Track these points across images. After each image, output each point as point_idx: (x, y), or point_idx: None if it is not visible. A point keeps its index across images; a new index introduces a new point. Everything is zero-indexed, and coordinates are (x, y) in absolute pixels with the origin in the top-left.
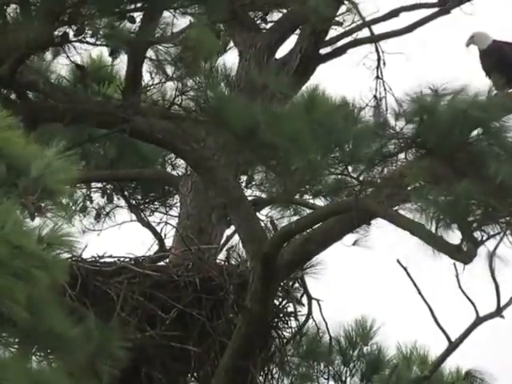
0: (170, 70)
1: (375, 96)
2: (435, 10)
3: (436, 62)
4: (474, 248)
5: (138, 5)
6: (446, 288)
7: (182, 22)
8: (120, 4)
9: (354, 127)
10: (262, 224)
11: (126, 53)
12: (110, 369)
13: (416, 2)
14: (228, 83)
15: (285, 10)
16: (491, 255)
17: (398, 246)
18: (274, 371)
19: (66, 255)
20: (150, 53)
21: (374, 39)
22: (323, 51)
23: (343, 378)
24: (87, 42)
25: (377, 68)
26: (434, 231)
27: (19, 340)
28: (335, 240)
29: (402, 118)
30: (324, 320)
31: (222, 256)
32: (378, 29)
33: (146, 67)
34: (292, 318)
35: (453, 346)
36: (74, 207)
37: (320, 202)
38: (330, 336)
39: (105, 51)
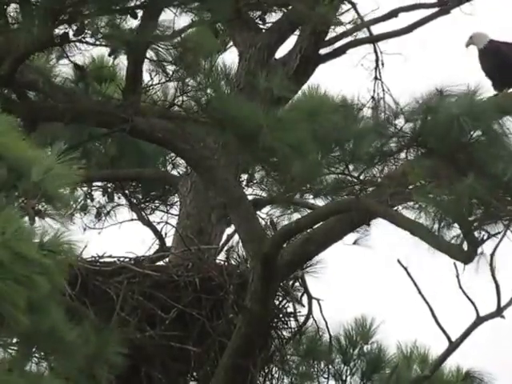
0: (170, 70)
1: (373, 97)
2: (435, 10)
3: (435, 63)
4: (474, 248)
5: (139, 2)
6: (446, 288)
7: (182, 21)
8: (120, 1)
9: (355, 126)
10: (262, 223)
11: (126, 53)
12: (107, 373)
13: (415, 2)
14: (228, 82)
15: (285, 10)
16: (491, 255)
17: (398, 245)
18: (274, 371)
19: (67, 261)
20: (150, 53)
21: (374, 39)
22: (323, 51)
23: (343, 377)
24: (87, 42)
25: (375, 68)
26: (434, 231)
27: (18, 342)
28: (335, 240)
29: (401, 115)
30: (324, 319)
31: (221, 256)
32: (378, 29)
33: (146, 67)
34: (292, 318)
35: (453, 346)
36: (74, 205)
37: (320, 202)
38: (330, 335)
39: (105, 50)
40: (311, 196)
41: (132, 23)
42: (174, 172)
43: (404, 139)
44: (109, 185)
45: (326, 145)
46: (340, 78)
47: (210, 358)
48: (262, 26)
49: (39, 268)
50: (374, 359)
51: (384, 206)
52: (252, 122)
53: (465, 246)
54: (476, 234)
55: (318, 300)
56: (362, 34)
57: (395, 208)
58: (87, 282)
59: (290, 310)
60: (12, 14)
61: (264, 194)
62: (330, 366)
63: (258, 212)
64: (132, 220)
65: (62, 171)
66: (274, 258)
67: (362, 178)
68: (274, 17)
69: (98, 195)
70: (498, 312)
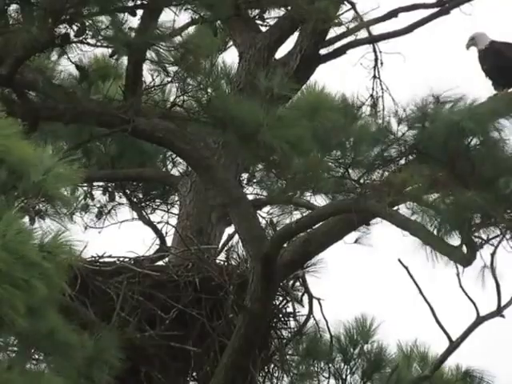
0: (171, 70)
1: (372, 95)
2: (434, 10)
3: (435, 63)
4: (473, 252)
5: (139, 2)
6: (446, 287)
7: (182, 20)
8: (120, 1)
9: (355, 128)
10: (262, 223)
11: (126, 54)
12: (106, 375)
13: (415, 2)
14: (228, 81)
15: (284, 8)
16: (492, 255)
17: (399, 244)
18: (274, 371)
19: (67, 262)
20: (150, 53)
21: (374, 39)
22: (323, 51)
23: (344, 376)
24: (88, 43)
25: (374, 67)
26: (433, 233)
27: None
28: (335, 240)
29: (405, 123)
30: (324, 318)
31: (221, 256)
32: (378, 29)
33: (147, 67)
34: (291, 318)
35: (454, 345)
36: (75, 205)
37: (320, 202)
38: (330, 334)
39: (107, 51)
40: (311, 194)
41: (132, 24)
42: (174, 171)
43: (404, 145)
44: (109, 184)
45: (325, 142)
46: (339, 77)
47: (210, 357)
48: (261, 25)
49: (39, 271)
50: (375, 358)
51: (384, 206)
52: (252, 121)
53: (464, 250)
54: (475, 237)
55: (318, 299)
56: (362, 34)
57: (395, 208)
58: (87, 282)
59: (290, 309)
60: (13, 15)
61: (264, 194)
62: (331, 365)
63: (257, 212)
64: (133, 219)
65: (63, 171)
66: (274, 257)
67: (361, 181)
68: (273, 15)
69: (98, 194)
70: (499, 311)
